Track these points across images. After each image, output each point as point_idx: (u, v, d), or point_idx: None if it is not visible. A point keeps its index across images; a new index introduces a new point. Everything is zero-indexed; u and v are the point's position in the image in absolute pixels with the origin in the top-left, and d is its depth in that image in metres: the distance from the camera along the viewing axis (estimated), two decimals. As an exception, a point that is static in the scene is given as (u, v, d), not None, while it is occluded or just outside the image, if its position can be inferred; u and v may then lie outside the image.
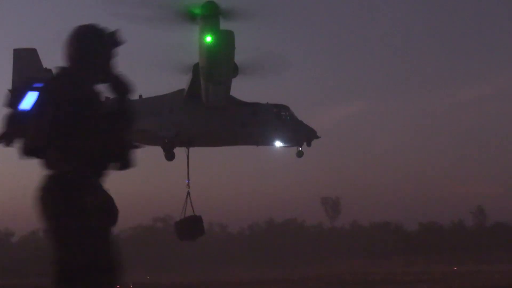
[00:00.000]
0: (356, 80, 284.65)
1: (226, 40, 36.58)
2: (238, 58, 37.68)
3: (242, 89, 42.60)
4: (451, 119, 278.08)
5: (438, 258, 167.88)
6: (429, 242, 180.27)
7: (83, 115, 9.20)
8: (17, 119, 9.35)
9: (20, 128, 9.23)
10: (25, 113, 9.28)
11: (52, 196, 9.55)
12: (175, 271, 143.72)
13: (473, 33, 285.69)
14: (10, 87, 43.65)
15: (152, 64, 41.11)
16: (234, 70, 39.46)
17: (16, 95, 9.48)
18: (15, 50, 44.15)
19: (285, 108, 44.11)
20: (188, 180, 44.99)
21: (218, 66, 37.53)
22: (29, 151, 9.17)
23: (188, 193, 45.45)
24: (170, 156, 43.92)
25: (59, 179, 9.12)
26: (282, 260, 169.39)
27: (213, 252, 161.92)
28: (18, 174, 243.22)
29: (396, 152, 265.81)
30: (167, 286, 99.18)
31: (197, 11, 36.24)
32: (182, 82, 43.35)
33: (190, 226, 44.92)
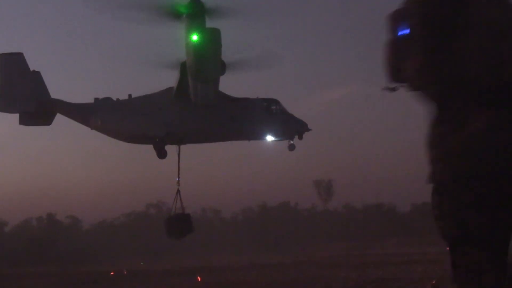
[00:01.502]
0: (348, 63, 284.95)
1: (213, 38, 36.32)
2: (225, 53, 37.52)
3: (231, 83, 42.33)
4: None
5: (431, 239, 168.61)
6: (422, 223, 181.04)
7: None
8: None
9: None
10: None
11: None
12: (168, 257, 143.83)
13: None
14: None
15: (140, 61, 40.99)
16: (222, 68, 39.25)
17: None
18: (1, 55, 43.58)
19: (275, 102, 43.97)
20: (179, 178, 45.38)
21: (206, 65, 37.30)
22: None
23: (178, 191, 45.73)
24: (162, 154, 43.94)
25: None
26: (275, 244, 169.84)
27: (207, 238, 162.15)
28: (10, 164, 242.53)
29: (388, 133, 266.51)
30: (160, 272, 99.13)
31: (183, 9, 36.14)
32: (170, 78, 43.24)
33: (179, 224, 45.22)
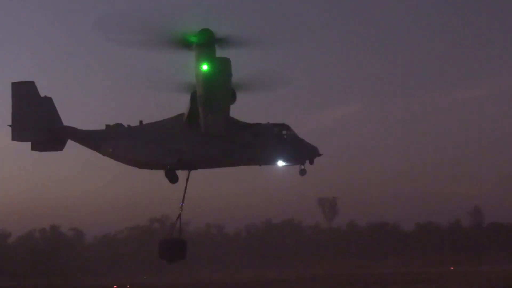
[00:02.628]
0: (353, 81, 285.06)
1: (223, 68, 36.61)
2: (235, 76, 37.57)
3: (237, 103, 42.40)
4: (449, 119, 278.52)
5: (435, 258, 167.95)
6: (426, 242, 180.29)
7: None
8: None
9: None
10: None
11: None
12: (172, 272, 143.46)
13: (470, 35, 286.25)
14: (9, 121, 43.72)
15: (150, 86, 40.96)
16: (232, 96, 39.59)
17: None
18: (13, 84, 44.43)
19: (285, 127, 44.18)
20: (182, 203, 45.48)
21: (216, 94, 37.58)
22: None
23: (180, 216, 45.63)
24: (173, 180, 44.19)
25: None
26: (279, 261, 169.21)
27: (210, 253, 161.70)
28: (15, 176, 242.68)
29: (393, 152, 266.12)
30: (163, 287, 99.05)
31: (193, 39, 36.48)
32: (181, 103, 43.28)
33: (173, 249, 45.14)
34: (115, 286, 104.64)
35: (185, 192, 45.34)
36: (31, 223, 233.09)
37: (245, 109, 42.59)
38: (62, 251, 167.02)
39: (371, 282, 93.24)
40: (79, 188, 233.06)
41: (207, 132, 41.36)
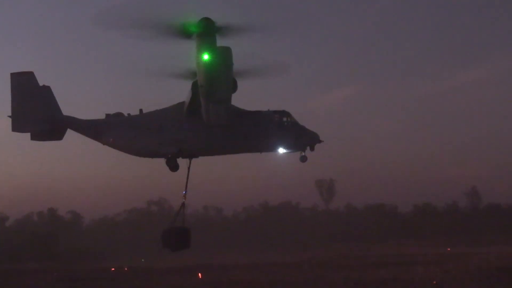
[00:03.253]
0: (351, 64, 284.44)
1: (224, 57, 36.36)
2: (235, 64, 36.68)
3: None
4: (446, 102, 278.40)
5: (432, 240, 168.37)
6: (423, 224, 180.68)
7: None
8: None
9: None
10: None
11: None
12: (169, 255, 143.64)
13: (470, 19, 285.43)
14: (9, 113, 43.32)
15: (150, 73, 40.55)
16: (234, 85, 39.30)
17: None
18: (12, 74, 43.91)
19: (286, 114, 44.05)
20: (186, 191, 45.54)
21: (217, 84, 37.33)
22: None
23: (183, 204, 45.73)
24: (174, 168, 44.13)
25: None
26: (277, 243, 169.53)
27: (208, 236, 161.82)
28: (13, 159, 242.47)
29: (391, 135, 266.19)
30: (162, 269, 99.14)
31: (193, 28, 36.01)
32: (181, 91, 42.94)
33: (177, 238, 45.25)
34: (113, 269, 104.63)
35: (187, 181, 45.28)
36: (29, 206, 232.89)
37: (242, 95, 42.27)
38: (60, 234, 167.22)
39: (369, 263, 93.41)
40: (76, 171, 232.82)
41: (209, 122, 41.14)
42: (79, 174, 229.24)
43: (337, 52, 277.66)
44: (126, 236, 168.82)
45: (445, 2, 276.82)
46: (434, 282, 55.28)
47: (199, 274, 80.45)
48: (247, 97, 43.63)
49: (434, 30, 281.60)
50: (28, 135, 44.42)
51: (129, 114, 44.69)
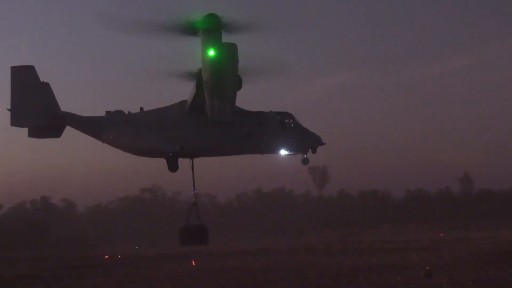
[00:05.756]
0: (342, 51, 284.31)
1: (229, 53, 36.10)
2: (240, 62, 36.71)
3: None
4: (438, 87, 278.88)
5: (425, 225, 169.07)
6: (416, 210, 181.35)
7: None
8: None
9: None
10: None
11: None
12: (162, 242, 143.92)
13: (460, 4, 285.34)
14: (8, 106, 42.61)
15: (152, 72, 40.14)
16: (238, 83, 38.52)
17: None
18: (12, 68, 43.19)
19: (288, 115, 43.78)
20: (195, 191, 45.70)
21: (223, 80, 36.94)
22: None
23: (195, 203, 45.95)
24: (174, 168, 43.82)
25: None
26: (270, 229, 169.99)
27: (202, 223, 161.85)
28: (4, 147, 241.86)
29: (384, 120, 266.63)
30: (155, 257, 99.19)
31: (199, 24, 35.77)
32: (182, 91, 42.57)
33: (195, 236, 45.01)
34: (107, 256, 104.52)
35: (194, 180, 45.26)
36: (22, 194, 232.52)
37: (241, 93, 41.97)
38: (53, 222, 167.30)
39: (363, 249, 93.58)
40: (69, 159, 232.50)
41: (214, 119, 40.74)
42: (72, 162, 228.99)
43: (329, 39, 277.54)
44: (120, 224, 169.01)
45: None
46: (428, 267, 55.40)
47: (193, 262, 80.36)
48: (247, 94, 43.20)
49: (424, 16, 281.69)
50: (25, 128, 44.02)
51: (129, 112, 44.35)
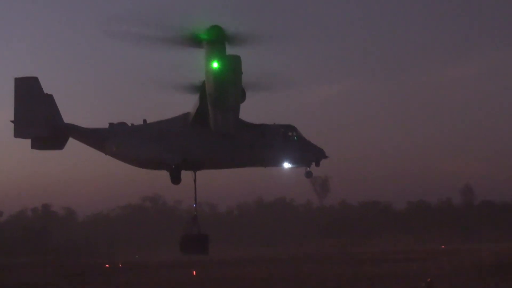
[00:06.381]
0: (344, 59, 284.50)
1: (233, 65, 36.09)
2: (243, 75, 36.80)
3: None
4: (440, 97, 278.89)
5: (426, 236, 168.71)
6: (418, 221, 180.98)
7: None
8: None
9: None
10: None
11: None
12: (163, 250, 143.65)
13: (460, 13, 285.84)
14: (12, 117, 42.69)
15: (155, 85, 40.23)
16: (242, 95, 38.88)
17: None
18: (16, 79, 43.32)
19: (292, 128, 43.97)
20: (196, 205, 46.17)
21: (227, 92, 36.94)
22: None
23: (195, 216, 46.19)
24: (176, 181, 43.81)
25: None
26: (271, 239, 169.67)
27: (203, 232, 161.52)
28: (6, 155, 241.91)
29: (385, 131, 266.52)
30: (156, 265, 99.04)
31: (203, 36, 35.80)
32: (184, 103, 42.59)
33: (196, 244, 45.53)
34: (107, 265, 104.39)
35: (195, 194, 45.37)
36: (23, 202, 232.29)
37: (244, 105, 41.95)
38: (54, 229, 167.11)
39: (363, 260, 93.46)
40: (70, 167, 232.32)
41: (217, 131, 40.82)
42: (73, 170, 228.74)
43: (331, 48, 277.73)
44: (120, 232, 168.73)
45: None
46: (429, 279, 55.28)
47: (193, 271, 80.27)
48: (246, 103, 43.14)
49: (426, 25, 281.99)
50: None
51: (132, 124, 44.41)
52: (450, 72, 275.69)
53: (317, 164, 44.05)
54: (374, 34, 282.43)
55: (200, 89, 39.27)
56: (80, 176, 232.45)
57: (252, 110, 44.80)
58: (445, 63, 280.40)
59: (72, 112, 48.63)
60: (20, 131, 42.96)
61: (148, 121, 44.45)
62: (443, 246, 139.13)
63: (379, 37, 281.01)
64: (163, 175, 44.64)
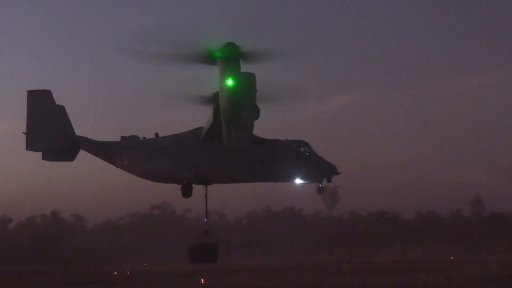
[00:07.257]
0: (353, 71, 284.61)
1: (248, 83, 36.00)
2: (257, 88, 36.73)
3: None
4: (450, 108, 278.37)
5: (435, 247, 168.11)
6: (427, 231, 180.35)
7: None
8: None
9: None
10: None
11: None
12: (172, 258, 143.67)
13: (474, 25, 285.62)
14: (24, 129, 42.95)
15: (168, 98, 40.28)
16: (256, 112, 38.72)
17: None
18: (29, 92, 43.44)
19: (304, 144, 43.93)
20: (206, 219, 46.96)
21: (240, 109, 36.80)
22: None
23: (206, 231, 46.35)
24: (188, 194, 44.01)
25: None
26: (279, 248, 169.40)
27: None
28: (16, 163, 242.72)
29: (394, 141, 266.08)
30: (164, 274, 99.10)
31: (217, 53, 35.87)
32: (196, 117, 42.62)
33: (204, 253, 45.57)
34: (116, 273, 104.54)
35: (206, 208, 45.56)
36: (32, 208, 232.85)
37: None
38: (63, 237, 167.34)
39: (372, 270, 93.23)
40: (80, 174, 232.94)
41: (230, 148, 40.93)
42: (82, 177, 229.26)
43: (340, 59, 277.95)
44: (129, 240, 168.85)
45: (448, 7, 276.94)
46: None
47: (202, 279, 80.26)
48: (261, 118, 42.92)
49: (435, 37, 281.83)
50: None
51: (144, 138, 44.47)
52: (459, 83, 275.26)
53: (329, 180, 44.28)
54: (385, 46, 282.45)
55: (212, 100, 39.27)
56: (89, 184, 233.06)
57: (262, 123, 44.91)
58: (454, 74, 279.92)
59: (84, 124, 48.77)
60: (32, 144, 43.16)
61: (160, 135, 44.48)
62: (452, 257, 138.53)
63: (390, 49, 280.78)
64: (173, 185, 44.72)
